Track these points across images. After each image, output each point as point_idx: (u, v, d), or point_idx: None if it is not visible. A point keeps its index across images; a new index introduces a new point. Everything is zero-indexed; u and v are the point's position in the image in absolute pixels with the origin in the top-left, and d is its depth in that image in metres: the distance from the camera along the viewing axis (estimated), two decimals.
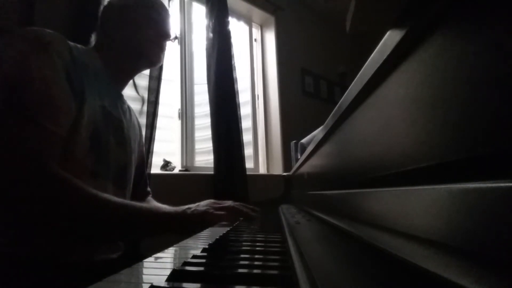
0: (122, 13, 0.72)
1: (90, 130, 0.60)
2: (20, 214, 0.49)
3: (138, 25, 0.72)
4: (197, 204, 0.67)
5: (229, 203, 0.72)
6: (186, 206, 0.64)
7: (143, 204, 0.61)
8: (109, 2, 0.74)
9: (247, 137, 2.09)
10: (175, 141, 1.76)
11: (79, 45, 0.65)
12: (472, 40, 0.13)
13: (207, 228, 0.64)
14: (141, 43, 0.72)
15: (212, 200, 0.70)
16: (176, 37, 0.82)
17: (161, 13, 0.77)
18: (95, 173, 0.61)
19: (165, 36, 0.78)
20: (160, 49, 0.77)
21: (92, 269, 0.58)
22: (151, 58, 0.75)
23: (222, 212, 0.66)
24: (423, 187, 0.16)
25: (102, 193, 0.53)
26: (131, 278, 0.27)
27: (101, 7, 1.19)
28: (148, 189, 0.92)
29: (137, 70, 0.78)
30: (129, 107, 0.81)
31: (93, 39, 0.75)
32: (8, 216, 0.52)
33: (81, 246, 0.59)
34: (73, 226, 0.52)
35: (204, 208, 0.65)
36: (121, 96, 0.77)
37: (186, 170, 1.70)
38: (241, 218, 0.75)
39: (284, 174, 1.42)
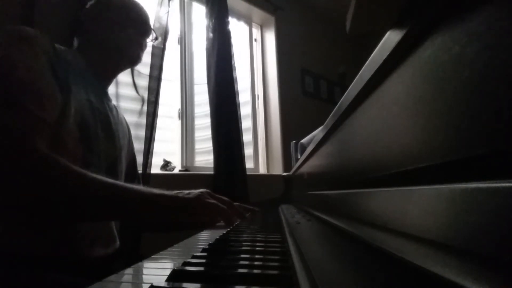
0: (101, 14, 0.75)
1: (78, 120, 0.61)
2: (12, 200, 0.49)
3: (117, 25, 0.75)
4: (190, 191, 0.66)
5: (224, 198, 0.72)
6: (179, 191, 0.64)
7: (134, 185, 0.60)
8: (89, 4, 0.76)
9: (247, 137, 2.09)
10: (175, 141, 1.76)
11: (62, 46, 0.66)
12: (472, 40, 0.13)
13: (197, 215, 0.63)
14: (121, 42, 0.75)
15: (207, 190, 0.69)
16: (156, 38, 0.85)
17: (139, 13, 0.80)
18: (87, 163, 0.61)
19: (144, 34, 0.81)
20: (140, 47, 0.80)
21: (89, 265, 0.58)
22: (131, 56, 0.78)
23: (214, 201, 0.66)
24: (423, 187, 0.16)
25: (91, 173, 0.53)
26: (131, 278, 0.27)
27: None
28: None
29: (118, 69, 0.81)
30: (115, 106, 0.83)
31: (74, 41, 0.76)
32: (1, 209, 0.52)
33: (77, 242, 0.59)
34: (63, 207, 0.51)
35: (196, 194, 0.64)
36: (106, 94, 0.79)
37: (186, 170, 1.70)
38: (230, 220, 0.73)
39: (284, 174, 1.42)
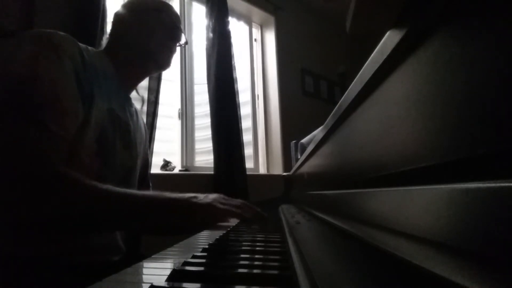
0: (133, 17, 0.73)
1: (97, 133, 0.60)
2: (26, 216, 0.48)
3: (149, 28, 0.73)
4: (205, 195, 0.64)
5: (238, 201, 0.70)
6: (193, 194, 0.62)
7: (148, 192, 0.60)
8: (121, 6, 0.75)
9: (247, 137, 2.09)
10: (175, 141, 1.76)
11: (89, 47, 0.65)
12: (472, 40, 0.13)
13: (210, 221, 0.61)
14: (152, 46, 0.74)
15: (221, 195, 0.68)
16: (186, 42, 0.83)
17: (171, 17, 0.78)
18: (102, 177, 0.60)
19: (176, 39, 0.79)
20: (170, 52, 0.78)
21: (93, 270, 0.58)
22: (161, 61, 0.77)
23: (227, 207, 0.64)
24: (423, 187, 0.16)
25: (111, 186, 0.53)
26: (131, 278, 0.27)
27: (101, 8, 1.19)
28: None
29: (146, 73, 0.80)
30: (136, 110, 0.81)
31: (103, 42, 0.75)
32: (11, 218, 0.51)
33: (82, 248, 0.59)
34: (85, 223, 0.52)
35: (210, 200, 0.62)
36: (129, 99, 0.77)
37: (186, 170, 1.70)
38: (249, 218, 0.73)
39: (284, 174, 1.42)
